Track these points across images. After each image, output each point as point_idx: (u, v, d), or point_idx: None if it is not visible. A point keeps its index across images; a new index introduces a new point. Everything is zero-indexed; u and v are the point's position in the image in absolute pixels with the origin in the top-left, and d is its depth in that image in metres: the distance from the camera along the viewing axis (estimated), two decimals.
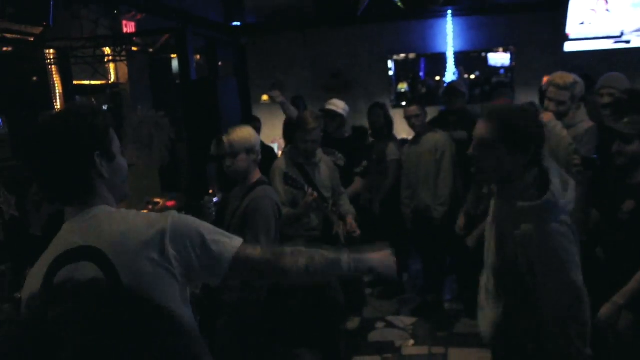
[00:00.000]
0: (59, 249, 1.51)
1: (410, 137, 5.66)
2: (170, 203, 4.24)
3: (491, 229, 2.42)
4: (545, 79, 4.99)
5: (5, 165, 5.75)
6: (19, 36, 4.10)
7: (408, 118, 5.25)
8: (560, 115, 3.87)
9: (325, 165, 4.38)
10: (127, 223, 1.59)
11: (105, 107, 5.85)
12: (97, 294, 1.06)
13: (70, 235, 1.58)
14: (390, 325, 5.28)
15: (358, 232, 4.20)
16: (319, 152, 4.35)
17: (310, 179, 4.20)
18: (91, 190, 1.63)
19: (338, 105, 5.60)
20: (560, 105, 3.88)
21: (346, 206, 4.45)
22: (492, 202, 2.46)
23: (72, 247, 1.50)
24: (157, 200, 4.25)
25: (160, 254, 1.53)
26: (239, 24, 8.20)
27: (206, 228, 1.66)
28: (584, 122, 3.94)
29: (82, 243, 1.52)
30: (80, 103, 1.50)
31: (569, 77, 3.93)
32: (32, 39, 4.10)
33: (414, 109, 5.23)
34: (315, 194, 3.87)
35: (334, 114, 5.51)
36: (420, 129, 5.28)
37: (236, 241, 1.70)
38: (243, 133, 3.22)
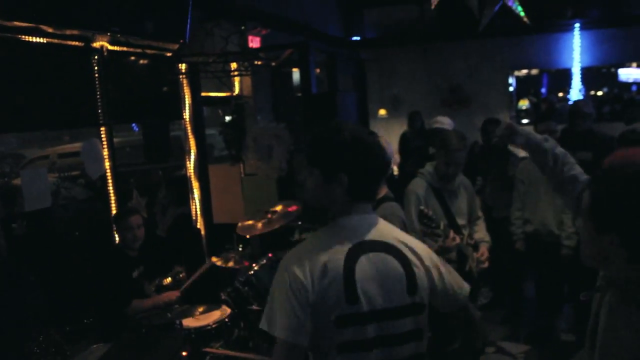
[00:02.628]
0: (353, 239, 1.81)
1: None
2: (292, 208, 4.35)
3: None
4: None
5: (138, 169, 6.21)
6: (157, 52, 4.44)
7: (543, 133, 4.99)
8: None
9: (464, 190, 3.97)
10: None
11: (230, 118, 6.16)
12: None
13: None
14: (500, 350, 5.10)
15: (486, 264, 3.77)
16: (459, 176, 3.90)
17: (447, 207, 3.82)
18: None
19: (444, 122, 5.48)
20: None
21: (481, 233, 4.00)
22: None
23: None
24: (276, 208, 4.39)
25: None
26: (358, 38, 8.33)
27: None
28: None
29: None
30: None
31: None
32: (170, 54, 4.43)
33: (549, 124, 4.94)
34: (458, 238, 3.50)
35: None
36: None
37: None
38: None
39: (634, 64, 8.47)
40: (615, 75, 9.07)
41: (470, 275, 3.65)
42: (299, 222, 4.68)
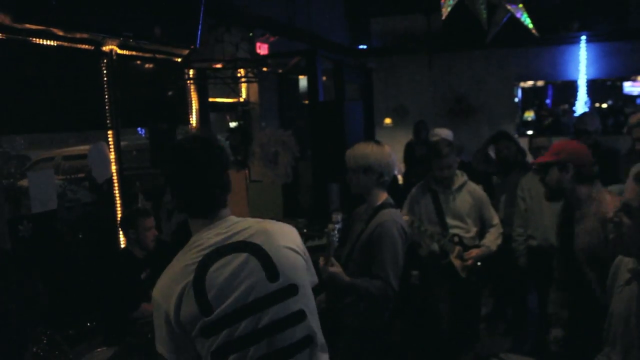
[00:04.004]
0: (202, 252, 1.82)
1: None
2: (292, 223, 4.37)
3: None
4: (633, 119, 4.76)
5: (144, 173, 6.21)
6: (167, 56, 4.45)
7: (536, 149, 5.02)
8: None
9: (469, 195, 4.26)
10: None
11: (236, 124, 6.17)
12: None
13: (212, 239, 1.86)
14: None
15: (470, 262, 4.10)
16: (460, 180, 4.27)
17: (439, 206, 4.21)
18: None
19: (442, 134, 5.49)
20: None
21: (487, 239, 4.27)
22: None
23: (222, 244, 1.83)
24: None
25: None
26: (365, 47, 8.35)
27: None
28: None
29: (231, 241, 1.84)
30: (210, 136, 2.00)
31: None
32: (179, 60, 4.44)
33: (542, 140, 5.00)
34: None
35: (448, 142, 5.42)
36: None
37: None
38: (364, 151, 3.09)
39: (639, 78, 8.49)
40: (621, 88, 9.08)
41: (452, 269, 4.10)
42: (304, 230, 4.68)
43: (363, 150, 3.10)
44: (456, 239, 4.17)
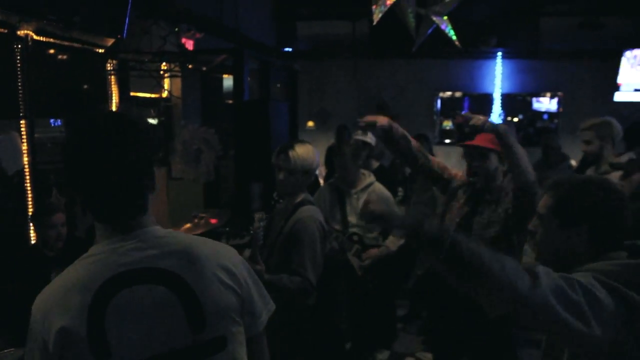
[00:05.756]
0: (105, 273, 1.36)
1: None
2: (213, 220, 4.30)
3: None
4: None
5: (59, 167, 5.92)
6: (89, 46, 4.26)
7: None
8: (593, 156, 4.03)
9: (374, 195, 4.34)
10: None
11: (156, 120, 6.02)
12: None
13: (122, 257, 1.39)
14: None
15: (365, 262, 4.25)
16: (367, 181, 4.40)
17: (343, 205, 4.35)
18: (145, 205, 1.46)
19: (363, 137, 5.58)
20: (588, 144, 4.02)
21: (389, 239, 4.40)
22: None
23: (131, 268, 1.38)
24: (202, 215, 4.32)
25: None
26: (291, 49, 8.37)
27: None
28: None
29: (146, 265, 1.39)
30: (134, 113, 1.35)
31: (596, 119, 4.11)
32: (102, 50, 4.26)
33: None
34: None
35: (362, 144, 5.50)
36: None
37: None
38: (308, 154, 3.10)
39: (548, 94, 9.00)
40: (530, 103, 9.57)
41: (349, 267, 4.23)
42: (227, 229, 4.61)
43: (307, 153, 3.11)
44: (355, 237, 4.31)
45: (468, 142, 3.29)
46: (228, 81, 7.12)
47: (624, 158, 4.07)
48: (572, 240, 1.78)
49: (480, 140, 3.19)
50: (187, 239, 1.51)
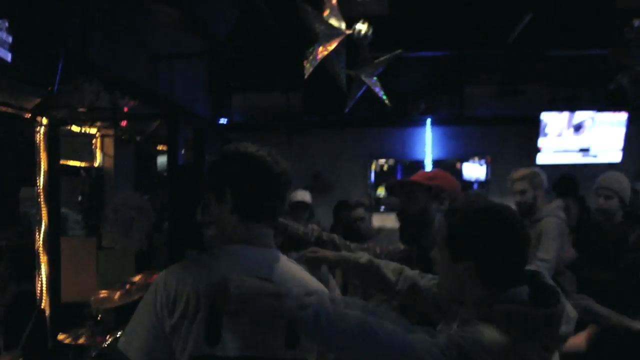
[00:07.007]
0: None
1: None
2: (152, 279, 4.13)
3: None
4: None
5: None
6: (15, 110, 4.11)
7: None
8: (527, 206, 4.12)
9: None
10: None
11: (86, 190, 5.84)
12: None
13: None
14: None
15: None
16: None
17: None
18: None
19: (304, 196, 5.61)
20: (523, 194, 4.14)
21: None
22: None
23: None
24: (136, 279, 4.16)
25: None
26: (225, 121, 8.43)
27: None
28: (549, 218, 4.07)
29: None
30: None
31: (526, 169, 4.31)
32: (29, 115, 4.10)
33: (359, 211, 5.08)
34: None
35: (304, 206, 5.51)
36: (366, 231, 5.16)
37: None
38: None
39: (476, 158, 9.35)
40: (460, 172, 9.87)
41: None
42: None
43: None
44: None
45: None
46: (162, 157, 7.09)
47: (553, 205, 4.24)
48: (462, 276, 1.62)
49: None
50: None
